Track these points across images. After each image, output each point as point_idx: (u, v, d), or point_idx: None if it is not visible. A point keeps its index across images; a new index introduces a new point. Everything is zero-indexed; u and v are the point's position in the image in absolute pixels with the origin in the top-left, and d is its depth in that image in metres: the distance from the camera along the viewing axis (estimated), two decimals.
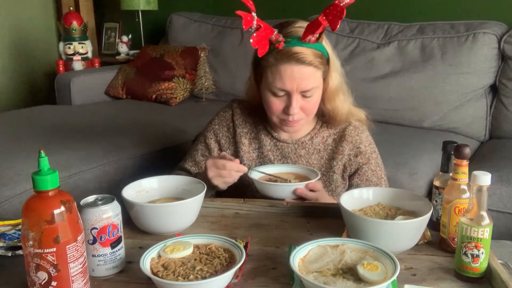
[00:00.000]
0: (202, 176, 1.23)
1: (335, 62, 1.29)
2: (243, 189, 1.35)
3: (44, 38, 3.88)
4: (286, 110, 1.25)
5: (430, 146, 2.02)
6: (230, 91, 2.85)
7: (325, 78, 1.27)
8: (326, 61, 1.25)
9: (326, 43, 1.26)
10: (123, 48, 3.66)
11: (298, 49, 1.18)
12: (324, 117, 1.37)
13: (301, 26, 1.23)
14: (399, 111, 2.38)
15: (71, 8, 3.57)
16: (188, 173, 1.42)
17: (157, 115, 2.61)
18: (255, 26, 1.14)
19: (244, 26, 1.11)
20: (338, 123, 1.36)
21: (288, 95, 1.24)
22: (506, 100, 2.25)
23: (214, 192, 1.29)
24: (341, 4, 1.11)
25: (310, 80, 1.22)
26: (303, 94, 1.24)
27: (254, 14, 1.13)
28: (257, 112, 1.40)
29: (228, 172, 1.20)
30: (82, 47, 3.40)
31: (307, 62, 1.19)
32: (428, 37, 2.37)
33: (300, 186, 1.19)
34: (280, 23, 1.26)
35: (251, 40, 1.12)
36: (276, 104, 1.26)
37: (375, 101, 2.34)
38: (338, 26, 1.12)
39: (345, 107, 1.34)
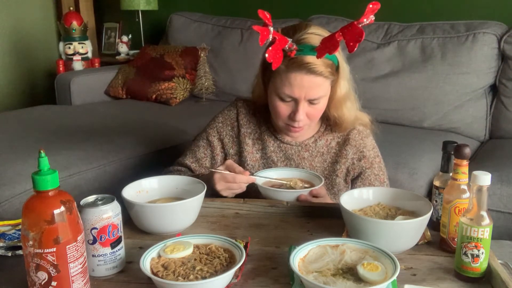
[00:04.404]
0: (205, 182, 1.21)
1: (344, 70, 1.27)
2: (245, 190, 1.35)
3: (44, 38, 3.88)
4: (292, 116, 1.25)
5: (430, 146, 2.02)
6: (230, 91, 2.85)
7: (333, 86, 1.26)
8: (336, 69, 1.24)
9: (337, 52, 1.23)
10: (123, 48, 3.66)
11: (310, 58, 1.17)
12: (329, 120, 1.37)
13: (313, 32, 1.21)
14: (399, 111, 2.38)
15: (71, 8, 3.57)
16: (188, 169, 1.42)
17: (157, 115, 2.61)
18: (270, 39, 1.11)
19: (260, 42, 1.07)
20: (343, 129, 1.36)
21: (295, 101, 1.24)
22: (506, 100, 2.25)
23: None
24: (360, 26, 1.04)
25: (318, 90, 1.22)
26: (310, 102, 1.24)
27: (271, 28, 1.10)
28: (261, 113, 1.40)
29: (238, 184, 1.20)
30: (82, 47, 3.40)
31: (317, 72, 1.18)
32: (428, 37, 2.37)
33: (304, 192, 1.19)
34: (292, 26, 1.24)
35: (266, 55, 1.09)
36: (283, 109, 1.26)
37: (375, 101, 2.34)
38: (355, 49, 1.04)
39: (352, 114, 1.33)
